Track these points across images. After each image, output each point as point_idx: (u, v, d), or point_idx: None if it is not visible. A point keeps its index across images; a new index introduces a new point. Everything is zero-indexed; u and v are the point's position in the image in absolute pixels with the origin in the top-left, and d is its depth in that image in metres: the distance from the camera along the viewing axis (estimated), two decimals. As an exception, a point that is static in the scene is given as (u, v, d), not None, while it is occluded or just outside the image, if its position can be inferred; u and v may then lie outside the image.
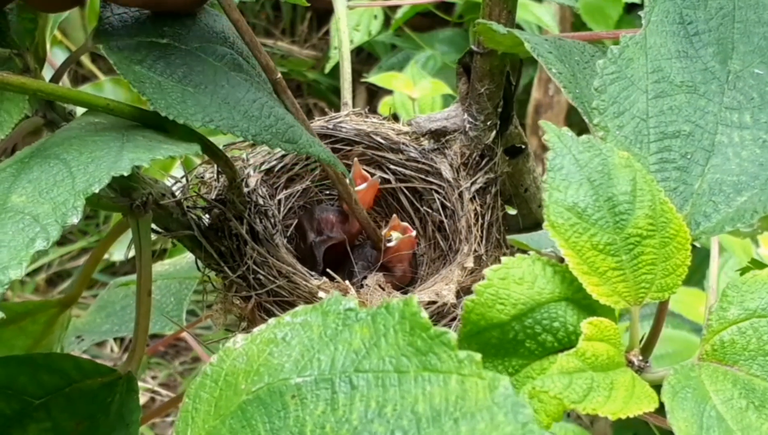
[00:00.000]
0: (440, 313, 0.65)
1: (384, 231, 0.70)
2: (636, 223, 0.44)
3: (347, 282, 0.64)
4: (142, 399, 1.84)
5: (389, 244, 0.69)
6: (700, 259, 1.69)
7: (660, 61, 0.48)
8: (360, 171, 0.73)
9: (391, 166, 0.76)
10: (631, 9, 2.11)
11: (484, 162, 0.73)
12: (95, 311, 1.15)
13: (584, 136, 0.46)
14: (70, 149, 0.46)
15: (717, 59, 0.48)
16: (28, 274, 2.19)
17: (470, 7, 2.08)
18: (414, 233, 0.70)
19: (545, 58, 0.55)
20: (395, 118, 0.80)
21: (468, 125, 0.73)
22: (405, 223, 0.71)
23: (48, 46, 0.63)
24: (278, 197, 0.75)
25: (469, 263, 0.68)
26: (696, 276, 1.68)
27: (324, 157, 0.56)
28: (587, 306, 0.44)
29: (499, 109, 0.73)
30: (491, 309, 0.43)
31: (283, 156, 0.76)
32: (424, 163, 0.75)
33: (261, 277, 0.65)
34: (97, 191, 0.42)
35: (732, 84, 0.47)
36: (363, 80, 1.99)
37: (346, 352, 0.41)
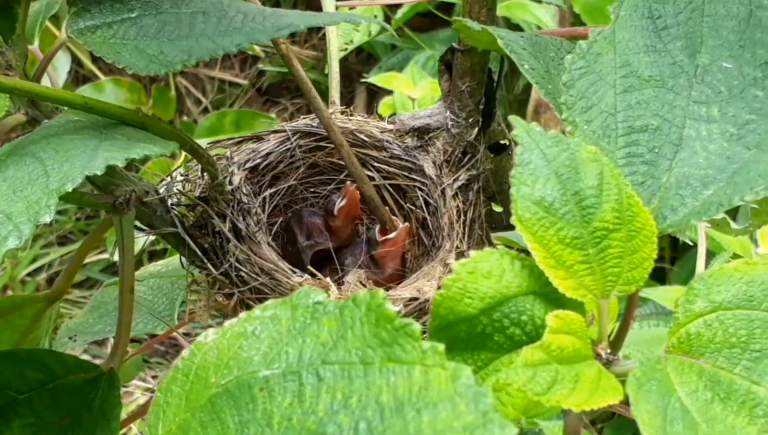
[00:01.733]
0: (422, 310, 0.65)
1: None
2: (603, 217, 0.44)
3: (328, 279, 0.64)
4: (143, 398, 1.85)
5: (390, 236, 0.70)
6: (696, 258, 1.69)
7: (628, 56, 0.48)
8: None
9: (375, 164, 0.77)
10: None
11: (466, 159, 0.73)
12: (89, 311, 1.16)
13: (552, 132, 0.46)
14: (47, 148, 0.47)
15: (685, 53, 0.48)
16: (29, 274, 2.20)
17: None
18: (408, 225, 0.71)
19: (518, 54, 0.55)
20: (380, 116, 0.81)
21: (450, 123, 0.74)
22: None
23: (37, 42, 0.64)
24: (263, 195, 0.75)
25: (451, 260, 0.68)
26: (693, 275, 1.68)
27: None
28: (555, 300, 0.45)
29: (481, 106, 0.73)
30: (459, 303, 0.43)
31: (268, 154, 0.76)
32: (407, 161, 0.75)
33: (243, 274, 0.65)
34: (70, 190, 0.43)
35: (700, 78, 0.48)
36: (363, 80, 1.99)
37: (313, 345, 0.41)
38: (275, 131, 0.77)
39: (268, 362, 0.42)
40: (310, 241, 0.74)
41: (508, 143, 0.78)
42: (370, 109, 2.33)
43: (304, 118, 0.80)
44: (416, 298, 0.66)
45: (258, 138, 0.77)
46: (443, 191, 0.72)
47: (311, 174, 0.79)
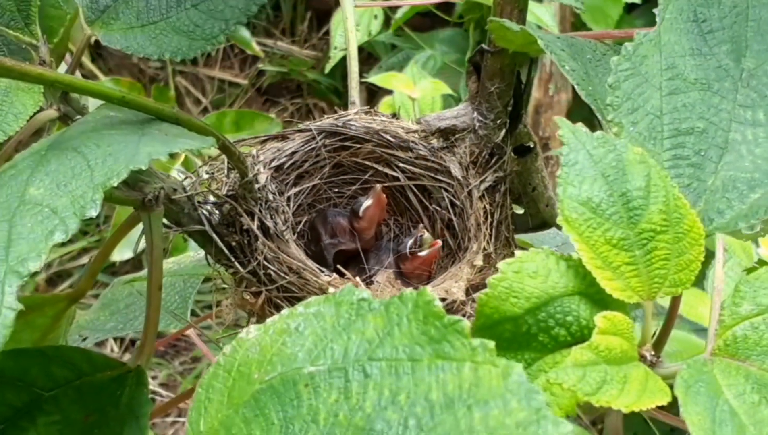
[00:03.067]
0: (450, 310, 0.65)
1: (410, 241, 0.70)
2: (650, 219, 0.44)
3: (357, 278, 0.64)
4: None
5: (420, 254, 0.69)
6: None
7: (674, 59, 0.48)
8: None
9: (400, 164, 0.76)
10: (631, 9, 2.11)
11: (493, 160, 0.73)
12: (99, 309, 1.15)
13: (598, 132, 0.46)
14: (87, 142, 0.46)
15: (731, 57, 0.48)
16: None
17: (470, 7, 2.08)
18: (440, 243, 0.70)
19: (558, 55, 0.55)
20: (394, 116, 0.80)
21: (478, 124, 0.74)
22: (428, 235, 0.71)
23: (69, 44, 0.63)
24: (287, 194, 0.75)
25: (479, 261, 0.68)
26: (695, 275, 1.68)
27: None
28: (600, 300, 0.44)
29: (509, 108, 0.73)
30: (505, 302, 0.43)
31: (293, 153, 0.76)
32: (433, 162, 0.75)
33: (271, 272, 0.65)
34: (116, 185, 0.43)
35: (746, 82, 0.47)
36: (363, 80, 1.98)
37: (359, 341, 0.41)
38: (300, 130, 0.77)
39: (313, 358, 0.41)
40: (333, 241, 0.74)
41: (532, 145, 0.78)
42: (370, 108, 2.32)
43: (328, 118, 0.80)
44: (444, 299, 0.65)
45: (283, 137, 0.77)
46: (470, 192, 0.72)
47: (335, 173, 0.79)
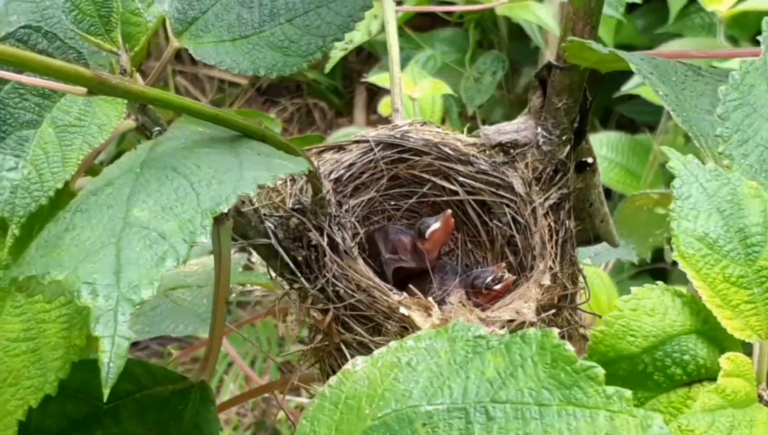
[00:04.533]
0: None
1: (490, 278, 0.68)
2: (768, 256, 0.43)
3: (430, 299, 0.63)
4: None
5: (496, 287, 0.68)
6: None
7: (783, 88, 0.47)
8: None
9: (460, 178, 0.75)
10: (631, 9, 2.11)
11: (558, 177, 0.72)
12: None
13: (710, 165, 0.45)
14: (185, 162, 0.45)
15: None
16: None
17: (470, 5, 2.07)
18: (514, 278, 0.69)
19: (650, 79, 0.54)
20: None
21: (542, 139, 0.72)
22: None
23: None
24: (345, 207, 0.74)
25: (546, 281, 0.67)
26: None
27: None
28: (714, 338, 0.44)
29: (575, 124, 0.72)
30: (621, 341, 0.42)
31: (351, 164, 0.75)
32: (495, 177, 0.74)
33: (339, 289, 0.64)
34: (225, 211, 0.41)
35: None
36: (363, 80, 1.97)
37: (479, 381, 0.40)
38: (357, 141, 0.76)
39: (430, 396, 0.40)
40: (394, 256, 0.73)
41: (591, 161, 0.77)
42: (371, 108, 2.32)
43: (382, 129, 0.78)
44: (513, 320, 0.64)
45: (340, 148, 0.75)
46: (534, 210, 0.71)
47: (392, 186, 0.77)
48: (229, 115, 0.50)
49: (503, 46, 2.15)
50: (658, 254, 1.10)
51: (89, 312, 0.38)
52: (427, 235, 0.70)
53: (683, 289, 0.44)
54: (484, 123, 2.05)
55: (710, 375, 0.43)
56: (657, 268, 1.63)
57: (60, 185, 0.51)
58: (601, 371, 0.37)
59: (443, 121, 1.72)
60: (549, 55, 2.02)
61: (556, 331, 0.38)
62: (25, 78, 0.45)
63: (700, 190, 0.44)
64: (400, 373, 0.42)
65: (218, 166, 0.44)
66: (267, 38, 0.49)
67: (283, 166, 0.46)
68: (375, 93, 2.28)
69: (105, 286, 0.38)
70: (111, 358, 0.37)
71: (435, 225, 0.70)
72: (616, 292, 1.11)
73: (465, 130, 0.80)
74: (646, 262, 1.08)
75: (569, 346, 0.38)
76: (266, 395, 1.49)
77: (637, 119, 2.01)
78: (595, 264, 1.09)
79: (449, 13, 2.03)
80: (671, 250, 0.92)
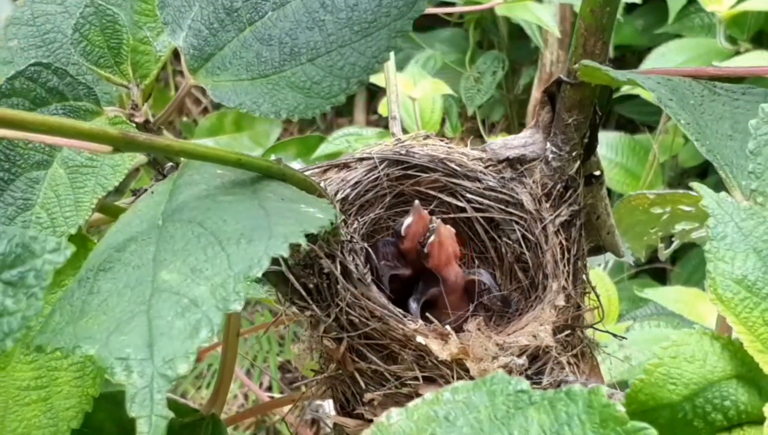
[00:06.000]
0: (536, 357, 0.64)
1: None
2: (807, 299, 0.43)
3: (448, 327, 0.62)
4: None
5: (430, 240, 0.67)
6: (699, 259, 1.70)
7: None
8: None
9: (467, 195, 0.74)
10: (631, 9, 2.10)
11: (568, 194, 0.71)
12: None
13: (745, 203, 0.44)
14: (210, 215, 0.43)
15: None
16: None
17: (469, 5, 2.06)
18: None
19: (671, 108, 0.53)
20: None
21: (551, 155, 0.71)
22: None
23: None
24: (352, 226, 0.72)
25: (560, 301, 0.66)
26: (695, 276, 1.69)
27: None
28: (751, 381, 0.43)
29: (585, 139, 0.71)
30: (662, 389, 0.42)
31: (356, 183, 0.73)
32: (503, 193, 0.73)
33: (354, 318, 0.62)
34: (259, 276, 0.40)
35: None
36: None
37: (523, 439, 0.39)
38: (362, 159, 0.74)
39: (472, 454, 0.39)
40: (389, 263, 0.72)
41: (599, 173, 0.76)
42: (371, 108, 2.30)
43: (386, 145, 0.77)
44: (529, 344, 0.64)
45: (345, 165, 0.74)
46: (545, 227, 0.70)
47: (396, 203, 0.76)
48: (251, 159, 0.48)
49: (503, 46, 2.14)
50: (656, 253, 1.10)
51: (124, 389, 0.36)
52: (402, 231, 0.69)
53: (718, 334, 0.43)
54: (483, 123, 2.05)
55: (750, 419, 0.42)
56: (656, 268, 1.64)
57: (73, 230, 0.49)
58: (653, 433, 0.36)
59: (443, 122, 1.70)
60: (549, 55, 2.01)
61: (604, 389, 0.38)
62: (32, 136, 0.43)
63: (735, 229, 0.44)
64: (438, 428, 0.41)
65: (245, 221, 0.43)
66: (288, 78, 0.48)
67: (311, 217, 0.44)
68: (375, 93, 2.27)
69: (139, 361, 0.36)
70: (150, 439, 0.35)
71: (407, 220, 0.69)
72: (616, 292, 1.12)
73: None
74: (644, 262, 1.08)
75: (620, 407, 0.37)
76: (266, 394, 1.49)
77: (637, 119, 2.01)
78: (591, 266, 1.09)
79: (449, 13, 2.02)
80: (664, 248, 0.91)
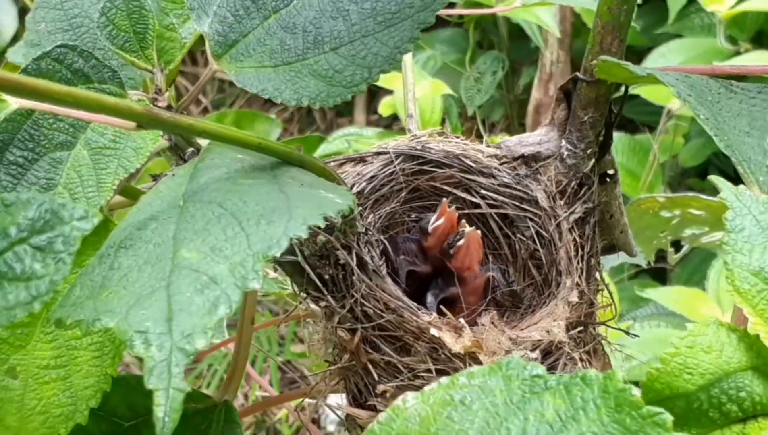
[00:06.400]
0: (548, 351, 0.64)
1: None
2: (825, 291, 0.43)
3: (462, 320, 0.62)
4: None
5: (459, 244, 0.68)
6: (700, 259, 1.70)
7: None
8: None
9: (482, 191, 0.74)
10: None
11: (582, 191, 0.71)
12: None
13: (764, 196, 0.44)
14: (230, 196, 0.44)
15: None
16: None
17: (470, 7, 2.07)
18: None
19: (690, 103, 0.54)
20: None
21: (566, 153, 0.72)
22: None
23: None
24: (368, 220, 0.73)
25: (574, 298, 0.67)
26: (696, 276, 1.69)
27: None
28: (766, 372, 0.43)
29: (600, 138, 0.71)
30: (678, 378, 0.42)
31: (372, 177, 0.74)
32: (518, 190, 0.73)
33: (368, 309, 0.63)
34: (278, 255, 0.40)
35: None
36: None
37: (538, 423, 0.39)
38: (378, 153, 0.75)
39: (487, 438, 0.40)
40: (408, 258, 0.72)
41: (613, 172, 0.76)
42: (371, 108, 2.31)
43: (402, 139, 0.77)
44: (542, 340, 0.64)
45: (361, 159, 0.74)
46: (559, 224, 0.70)
47: (412, 198, 0.76)
48: (271, 143, 0.49)
49: (503, 46, 2.14)
50: (657, 254, 1.10)
51: (142, 361, 0.36)
52: (429, 229, 0.69)
53: (733, 325, 0.43)
54: (483, 123, 2.05)
55: (765, 411, 0.42)
56: (656, 269, 1.63)
57: (95, 211, 0.49)
58: (669, 418, 0.36)
59: (443, 122, 1.71)
60: (549, 55, 2.01)
61: (620, 374, 0.38)
62: (59, 109, 0.44)
63: (753, 222, 0.44)
64: (453, 412, 0.41)
65: (265, 203, 0.43)
66: (311, 66, 0.48)
67: (330, 201, 0.45)
68: (375, 93, 2.27)
69: (158, 335, 0.37)
70: (166, 412, 0.36)
71: (435, 218, 0.69)
72: (616, 292, 1.11)
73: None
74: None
75: (636, 391, 0.37)
76: (266, 393, 1.49)
77: (637, 119, 2.00)
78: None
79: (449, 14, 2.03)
80: (674, 252, 0.91)
